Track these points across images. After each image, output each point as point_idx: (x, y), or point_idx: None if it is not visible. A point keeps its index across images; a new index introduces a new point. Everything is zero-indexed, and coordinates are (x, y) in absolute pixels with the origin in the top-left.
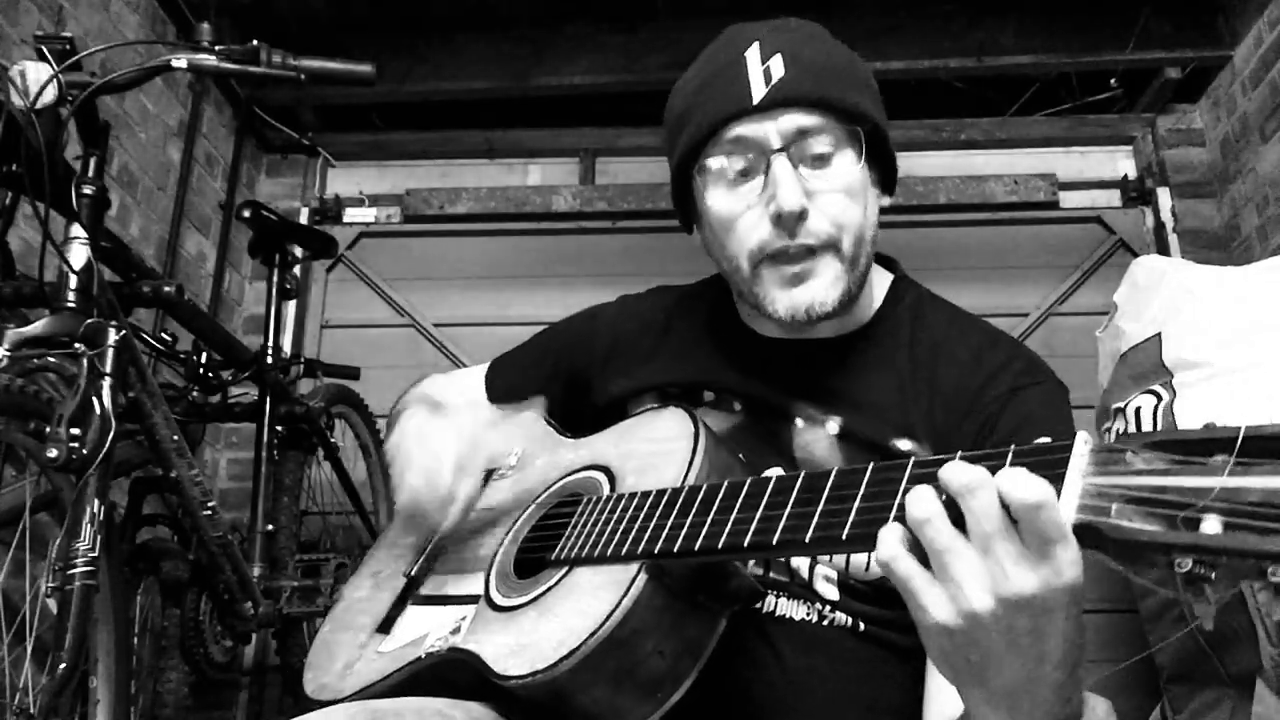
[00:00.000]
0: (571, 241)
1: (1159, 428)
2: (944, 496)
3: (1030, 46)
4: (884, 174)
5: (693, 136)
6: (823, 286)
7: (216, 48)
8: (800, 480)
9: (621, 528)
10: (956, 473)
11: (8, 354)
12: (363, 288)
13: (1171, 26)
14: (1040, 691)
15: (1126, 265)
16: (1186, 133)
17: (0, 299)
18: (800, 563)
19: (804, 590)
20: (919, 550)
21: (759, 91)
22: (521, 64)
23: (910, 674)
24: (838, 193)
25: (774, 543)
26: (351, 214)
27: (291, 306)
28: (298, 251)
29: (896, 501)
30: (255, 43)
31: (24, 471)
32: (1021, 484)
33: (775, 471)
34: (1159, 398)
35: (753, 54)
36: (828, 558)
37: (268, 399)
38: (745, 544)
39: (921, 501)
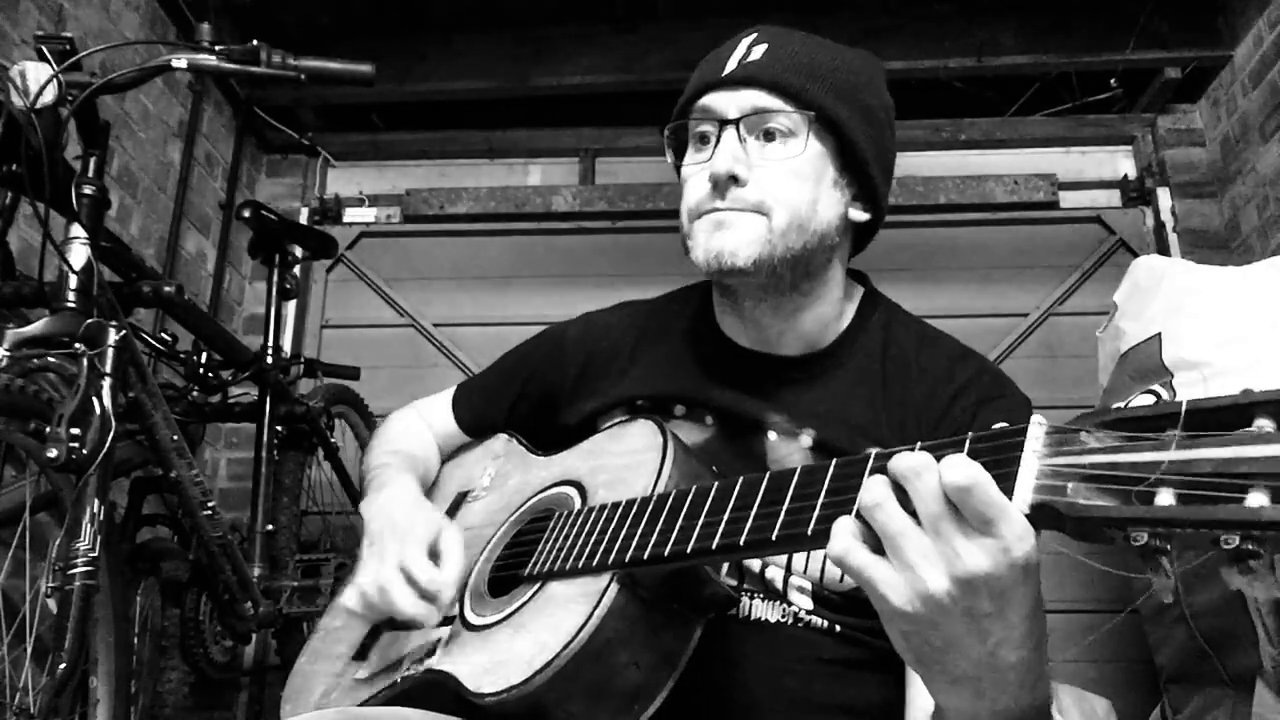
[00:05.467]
0: (571, 241)
1: None
2: (894, 485)
3: (1030, 46)
4: (861, 189)
5: (679, 105)
6: (738, 238)
7: (216, 48)
8: (766, 480)
9: (592, 539)
10: (902, 459)
11: (8, 354)
12: (363, 288)
13: (1171, 26)
14: (1003, 674)
15: (1126, 265)
16: (1186, 133)
17: (0, 299)
18: (774, 574)
19: (779, 596)
20: (874, 542)
21: (731, 68)
22: (521, 64)
23: (889, 676)
24: (780, 170)
25: (741, 543)
26: (351, 214)
27: (291, 306)
28: (298, 251)
29: (859, 495)
30: (255, 43)
31: (24, 471)
32: (951, 469)
33: None
34: (1159, 398)
35: (746, 40)
36: (802, 569)
37: (268, 399)
38: (714, 546)
39: (872, 488)
